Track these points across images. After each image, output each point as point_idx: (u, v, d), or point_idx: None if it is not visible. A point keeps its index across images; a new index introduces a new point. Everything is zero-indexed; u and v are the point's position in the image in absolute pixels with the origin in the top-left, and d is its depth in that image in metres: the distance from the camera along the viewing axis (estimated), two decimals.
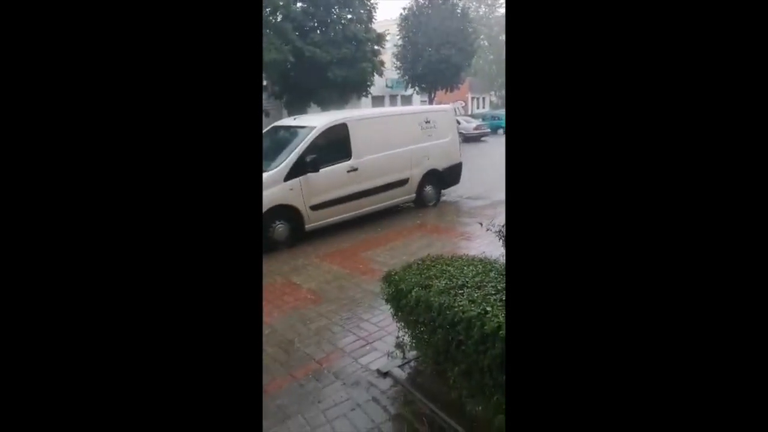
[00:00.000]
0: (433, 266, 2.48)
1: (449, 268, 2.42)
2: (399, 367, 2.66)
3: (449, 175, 7.29)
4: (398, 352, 2.69)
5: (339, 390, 2.52)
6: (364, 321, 3.37)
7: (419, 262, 2.58)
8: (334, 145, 5.76)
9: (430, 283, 2.26)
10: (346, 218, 5.90)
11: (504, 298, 1.96)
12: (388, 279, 2.51)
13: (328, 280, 4.28)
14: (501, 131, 22.24)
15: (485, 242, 4.49)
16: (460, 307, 1.95)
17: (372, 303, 3.65)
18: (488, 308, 1.88)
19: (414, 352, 2.63)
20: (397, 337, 2.67)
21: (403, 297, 2.30)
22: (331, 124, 5.80)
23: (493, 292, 2.05)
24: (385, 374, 2.62)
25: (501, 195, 7.88)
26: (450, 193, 7.75)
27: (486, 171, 10.10)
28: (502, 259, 2.52)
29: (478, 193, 7.95)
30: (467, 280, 2.22)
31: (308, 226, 5.50)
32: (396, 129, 6.46)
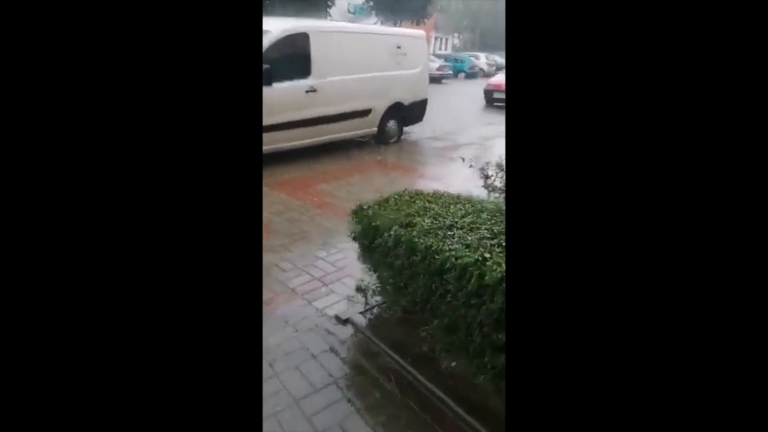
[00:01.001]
0: (414, 202, 2.10)
1: (433, 205, 2.05)
2: (360, 313, 2.33)
3: (414, 111, 6.77)
4: (360, 297, 2.35)
5: (290, 338, 2.15)
6: (320, 259, 2.98)
7: (396, 197, 2.18)
8: (292, 59, 5.00)
9: (413, 221, 1.88)
10: (300, 146, 5.30)
11: (503, 244, 1.63)
12: (360, 213, 2.10)
13: (278, 212, 3.80)
14: (462, 75, 21.70)
15: (458, 182, 4.15)
16: (453, 252, 1.60)
17: (327, 240, 3.26)
18: (487, 255, 1.55)
19: (378, 298, 2.30)
20: (360, 280, 2.32)
21: (379, 236, 1.91)
22: (290, 32, 4.98)
23: (488, 236, 1.71)
24: (345, 321, 2.29)
25: (463, 137, 7.58)
26: (410, 132, 7.29)
27: (447, 113, 9.70)
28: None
29: (440, 134, 7.58)
30: (456, 220, 1.87)
31: None
32: (363, 50, 5.75)
